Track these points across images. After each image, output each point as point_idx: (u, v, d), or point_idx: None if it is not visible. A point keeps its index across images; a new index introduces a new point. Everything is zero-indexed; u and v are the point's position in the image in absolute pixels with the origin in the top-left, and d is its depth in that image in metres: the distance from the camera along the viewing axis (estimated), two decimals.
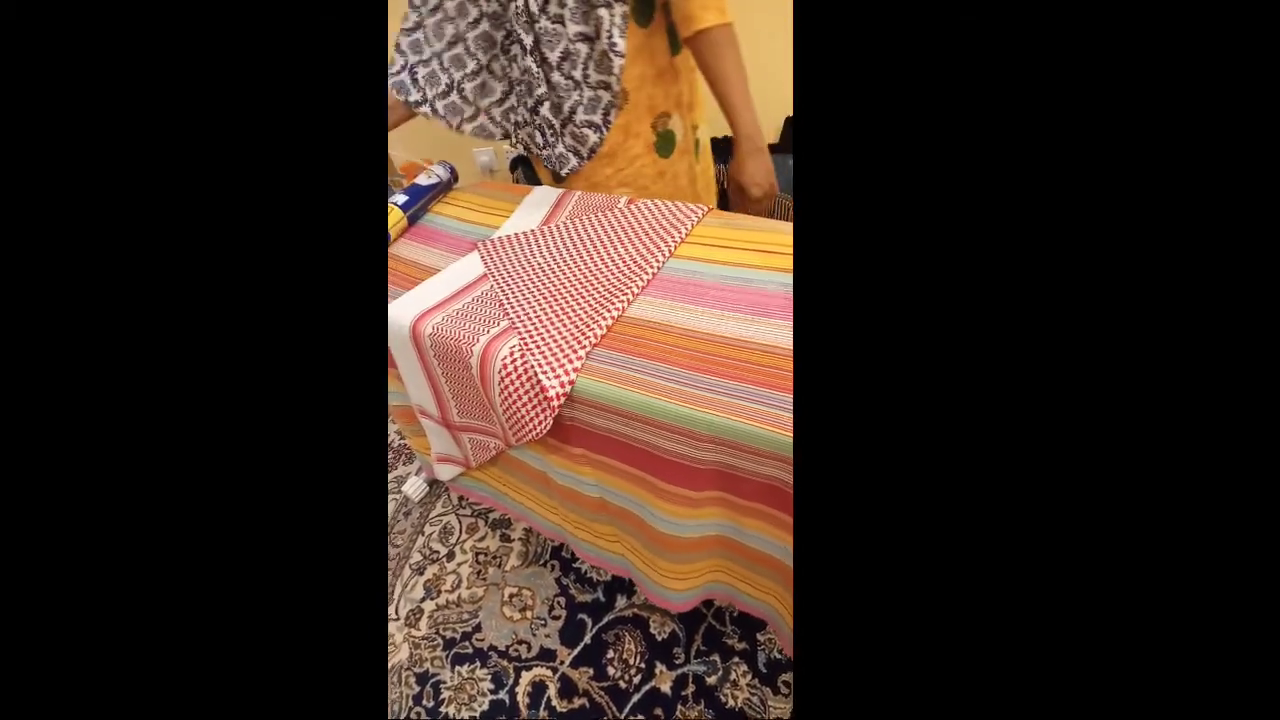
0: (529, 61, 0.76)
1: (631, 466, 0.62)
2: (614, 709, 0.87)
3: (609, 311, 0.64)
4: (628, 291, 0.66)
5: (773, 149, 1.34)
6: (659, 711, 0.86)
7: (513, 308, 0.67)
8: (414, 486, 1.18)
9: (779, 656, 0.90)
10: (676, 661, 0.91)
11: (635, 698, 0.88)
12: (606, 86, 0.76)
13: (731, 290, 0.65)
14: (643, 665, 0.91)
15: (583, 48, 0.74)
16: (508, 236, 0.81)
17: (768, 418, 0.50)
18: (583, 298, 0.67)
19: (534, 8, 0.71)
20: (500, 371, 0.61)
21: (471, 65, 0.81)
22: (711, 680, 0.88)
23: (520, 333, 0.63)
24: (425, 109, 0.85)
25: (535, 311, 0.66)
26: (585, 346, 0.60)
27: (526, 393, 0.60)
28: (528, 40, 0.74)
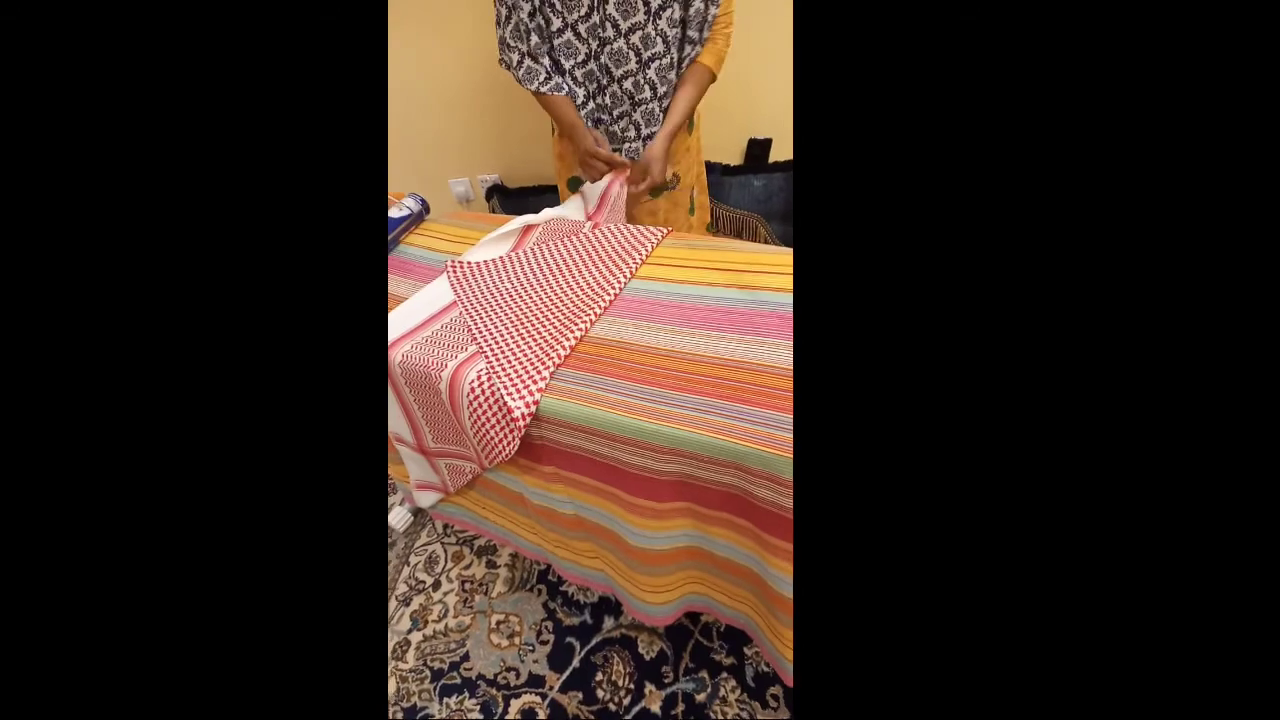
0: (621, 43, 0.88)
1: (600, 481, 0.63)
2: None
3: (572, 333, 0.65)
4: (590, 313, 0.68)
5: (736, 169, 1.39)
6: None
7: (480, 332, 0.69)
8: (398, 517, 1.17)
9: (766, 670, 0.89)
10: (665, 681, 0.90)
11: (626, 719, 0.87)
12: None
13: (685, 307, 0.68)
14: (632, 686, 0.90)
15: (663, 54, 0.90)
16: (478, 263, 0.83)
17: (722, 428, 0.52)
18: (547, 321, 0.69)
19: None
20: (468, 395, 0.62)
21: (557, 23, 0.88)
22: (701, 698, 0.88)
23: (487, 356, 0.65)
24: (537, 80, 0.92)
25: (501, 335, 0.68)
26: (549, 368, 0.62)
27: (494, 415, 0.62)
28: (624, 25, 0.86)
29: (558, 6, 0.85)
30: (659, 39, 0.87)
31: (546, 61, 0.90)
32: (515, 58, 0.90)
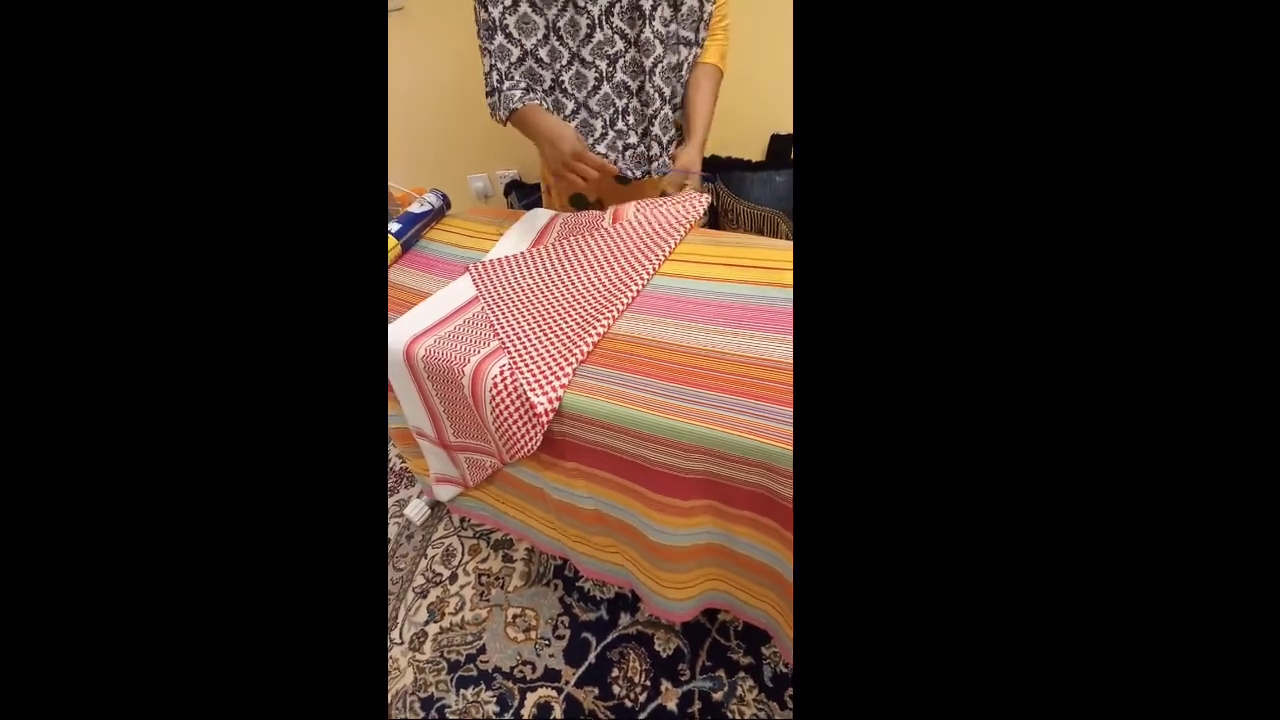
0: (635, 53, 0.85)
1: (623, 478, 0.63)
2: None
3: (595, 329, 0.65)
4: (612, 309, 0.67)
5: (759, 165, 1.38)
6: None
7: (502, 328, 0.69)
8: (416, 509, 1.18)
9: (784, 670, 0.89)
10: (682, 678, 0.90)
11: (642, 716, 0.87)
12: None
13: (712, 305, 0.67)
14: (648, 683, 0.90)
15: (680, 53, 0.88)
16: (498, 260, 0.83)
17: (749, 426, 0.51)
18: (569, 316, 0.69)
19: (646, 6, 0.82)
20: (491, 390, 0.62)
21: (565, 56, 0.86)
22: (718, 696, 0.87)
23: (510, 352, 0.64)
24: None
25: (524, 331, 0.68)
26: (572, 364, 0.61)
27: (517, 410, 0.62)
28: (631, 34, 0.84)
29: (565, 39, 0.83)
30: (656, 41, 0.84)
31: (524, 84, 0.86)
32: (494, 100, 0.87)
